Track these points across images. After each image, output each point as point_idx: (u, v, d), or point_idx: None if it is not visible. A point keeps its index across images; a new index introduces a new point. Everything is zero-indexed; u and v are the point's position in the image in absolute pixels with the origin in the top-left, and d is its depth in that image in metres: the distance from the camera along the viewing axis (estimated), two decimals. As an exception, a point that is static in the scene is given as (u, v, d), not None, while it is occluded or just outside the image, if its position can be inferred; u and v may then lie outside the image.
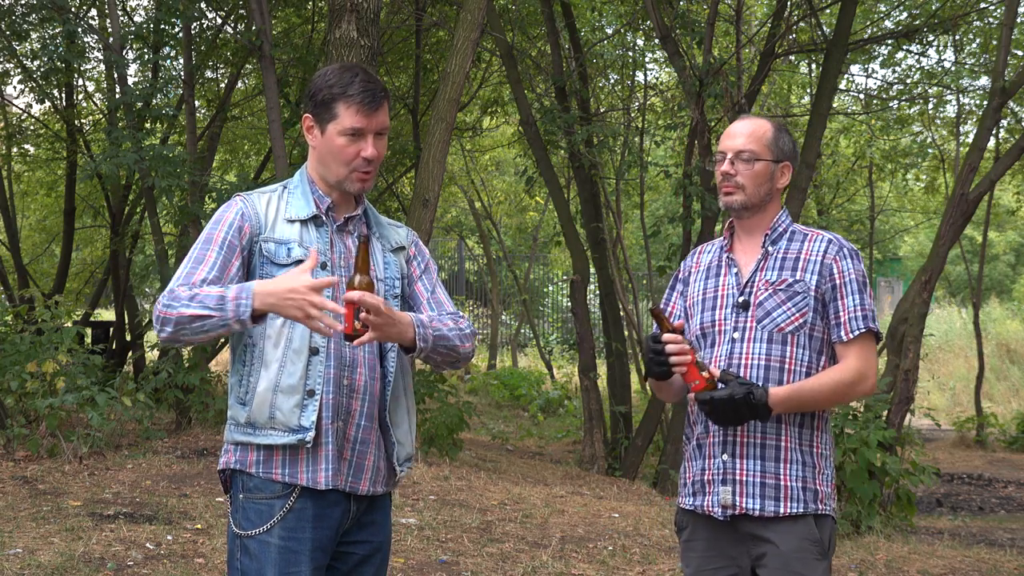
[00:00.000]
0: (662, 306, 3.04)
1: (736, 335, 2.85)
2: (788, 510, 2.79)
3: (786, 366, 2.81)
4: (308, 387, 2.58)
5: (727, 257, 2.95)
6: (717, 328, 2.89)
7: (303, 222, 2.67)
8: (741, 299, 2.87)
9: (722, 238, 3.00)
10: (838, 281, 2.83)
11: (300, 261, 2.61)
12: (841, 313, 2.83)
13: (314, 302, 2.43)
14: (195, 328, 2.52)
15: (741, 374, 2.83)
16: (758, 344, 2.83)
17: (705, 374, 2.75)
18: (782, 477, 2.80)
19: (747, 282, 2.88)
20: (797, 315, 2.82)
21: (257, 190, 2.75)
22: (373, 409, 2.68)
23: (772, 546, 2.79)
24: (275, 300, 2.47)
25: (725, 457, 2.84)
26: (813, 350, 2.83)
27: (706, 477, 2.87)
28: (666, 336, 2.76)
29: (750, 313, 2.85)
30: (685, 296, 3.01)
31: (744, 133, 2.90)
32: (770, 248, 2.90)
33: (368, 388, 2.66)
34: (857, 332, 2.81)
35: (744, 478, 2.81)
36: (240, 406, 2.63)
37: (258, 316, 2.51)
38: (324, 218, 2.69)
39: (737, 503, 2.81)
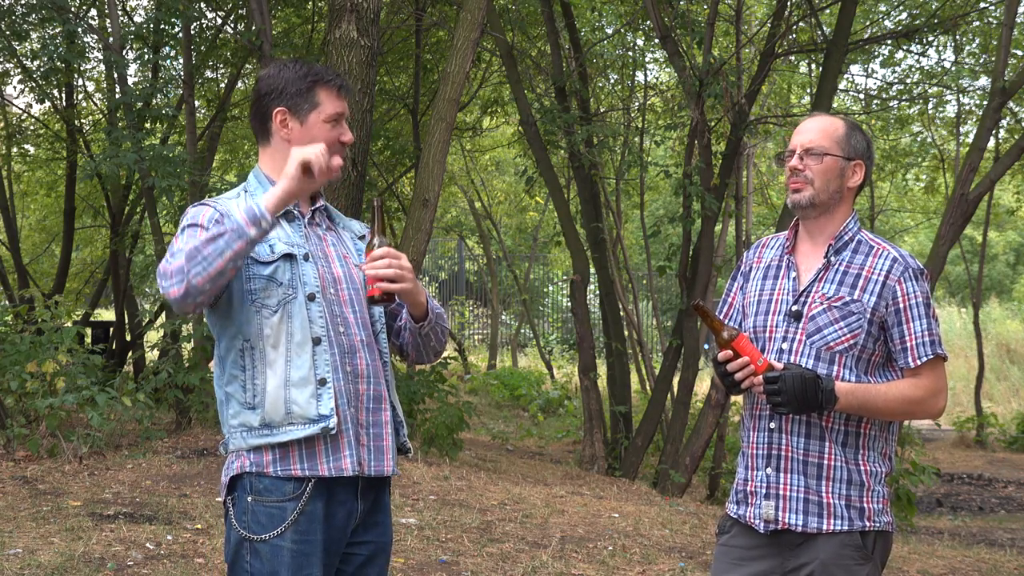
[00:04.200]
0: (724, 297, 3.01)
1: (785, 345, 2.79)
2: (831, 527, 2.73)
3: None
4: (319, 376, 2.58)
5: (788, 259, 2.87)
6: (768, 334, 2.82)
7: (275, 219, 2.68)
8: (794, 308, 2.79)
9: (786, 235, 2.91)
10: (902, 305, 2.73)
11: (286, 255, 2.62)
12: (908, 338, 2.74)
13: (310, 147, 2.47)
14: (209, 254, 2.40)
15: None
16: (805, 359, 2.76)
17: (768, 361, 2.72)
18: (824, 495, 2.74)
19: (804, 291, 2.80)
20: (848, 336, 2.73)
21: (220, 197, 2.73)
22: (380, 390, 2.70)
23: (810, 554, 2.74)
24: (280, 179, 2.49)
25: (769, 471, 2.79)
26: (860, 371, 2.75)
27: (749, 488, 2.84)
28: (721, 355, 2.73)
29: (801, 325, 2.78)
30: (744, 292, 2.95)
31: (815, 129, 2.82)
32: (833, 258, 2.80)
33: (369, 371, 2.68)
34: (925, 358, 2.73)
35: (788, 493, 2.77)
36: (250, 411, 2.59)
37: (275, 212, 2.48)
38: (295, 213, 2.70)
39: (780, 518, 2.77)
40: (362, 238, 2.85)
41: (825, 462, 2.75)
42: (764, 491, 2.80)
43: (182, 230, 2.61)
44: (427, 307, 2.73)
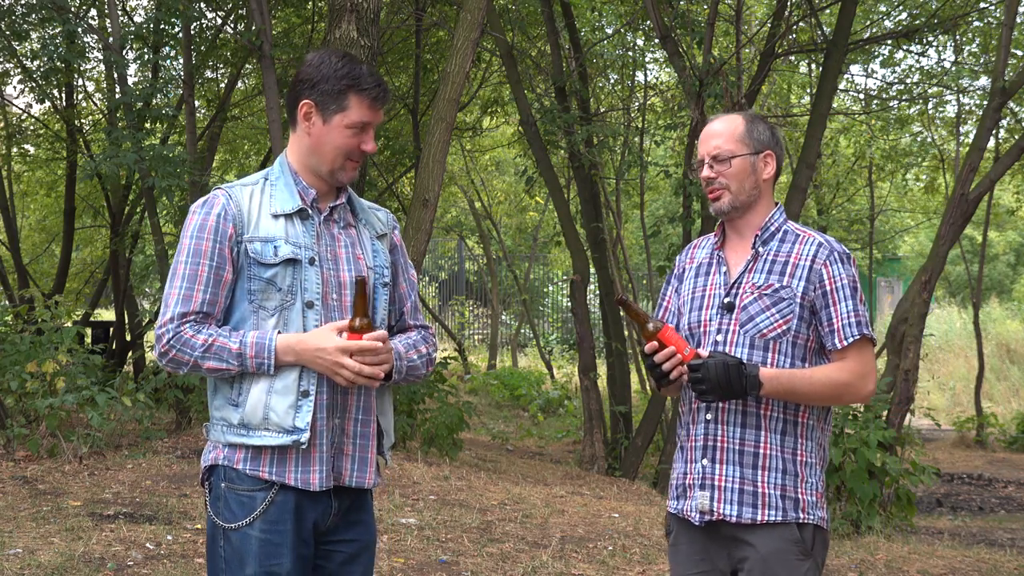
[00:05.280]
0: (659, 301, 3.04)
1: (719, 337, 2.82)
2: (766, 518, 2.75)
3: None
4: (302, 388, 2.57)
5: (717, 255, 2.91)
6: (703, 329, 2.86)
7: (288, 216, 2.63)
8: (726, 300, 2.83)
9: (714, 234, 2.96)
10: (828, 287, 2.77)
11: (289, 260, 2.58)
12: (834, 320, 2.76)
13: (345, 364, 2.51)
14: (211, 374, 2.59)
15: None
16: (740, 348, 2.79)
17: (695, 351, 2.76)
18: (760, 484, 2.76)
19: (734, 283, 2.84)
20: (780, 322, 2.77)
21: (239, 182, 2.69)
22: (369, 402, 2.68)
23: (752, 548, 2.76)
24: (308, 357, 2.53)
25: (705, 462, 2.81)
26: (796, 357, 2.78)
27: (687, 481, 2.86)
28: (648, 347, 2.76)
29: (734, 316, 2.82)
30: (679, 292, 2.99)
31: (716, 134, 2.86)
32: (760, 249, 2.84)
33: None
34: (851, 339, 2.75)
35: (723, 484, 2.79)
36: (232, 407, 2.60)
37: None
38: (310, 211, 2.65)
39: (715, 509, 2.79)
40: (381, 237, 2.78)
41: (761, 451, 2.77)
42: (700, 482, 2.82)
43: (185, 254, 2.59)
44: (391, 371, 2.68)
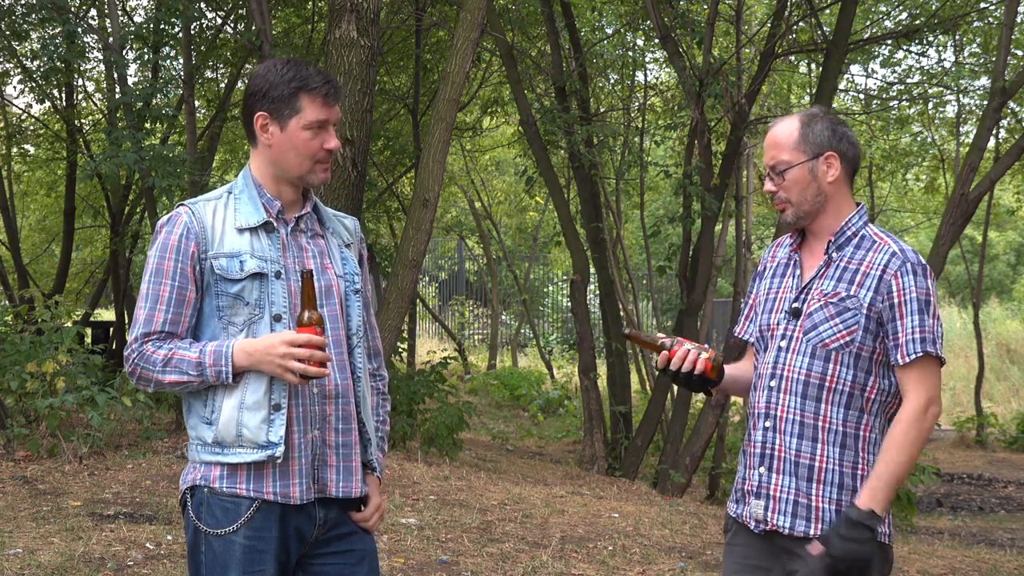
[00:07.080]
0: (745, 299, 3.00)
1: (783, 343, 2.75)
2: (819, 532, 2.66)
3: (826, 384, 2.69)
4: (273, 402, 2.55)
5: (794, 257, 2.83)
6: (770, 333, 2.80)
7: (253, 230, 2.61)
8: (794, 305, 2.76)
9: (791, 234, 2.87)
10: (897, 300, 2.64)
11: (255, 274, 2.56)
12: (900, 334, 2.64)
13: (290, 367, 2.48)
14: (176, 389, 2.58)
15: (782, 386, 2.73)
16: (801, 357, 2.71)
17: (708, 356, 2.76)
18: (814, 498, 2.68)
19: (805, 287, 2.76)
20: (844, 332, 2.67)
21: (202, 197, 2.67)
22: (349, 409, 2.65)
23: (803, 563, 2.67)
24: (259, 358, 2.51)
25: (762, 470, 2.75)
26: (860, 369, 2.68)
27: (745, 487, 2.81)
28: (659, 363, 2.77)
29: (799, 322, 2.74)
30: (758, 291, 2.93)
31: (773, 144, 2.76)
32: (834, 255, 2.74)
33: (339, 390, 2.63)
34: (913, 356, 2.62)
35: (778, 494, 2.72)
36: (206, 426, 2.58)
37: (239, 373, 2.55)
38: (275, 223, 2.63)
39: (768, 519, 2.73)
40: (348, 246, 2.76)
41: (817, 464, 2.69)
42: (756, 490, 2.77)
43: (149, 274, 2.59)
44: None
